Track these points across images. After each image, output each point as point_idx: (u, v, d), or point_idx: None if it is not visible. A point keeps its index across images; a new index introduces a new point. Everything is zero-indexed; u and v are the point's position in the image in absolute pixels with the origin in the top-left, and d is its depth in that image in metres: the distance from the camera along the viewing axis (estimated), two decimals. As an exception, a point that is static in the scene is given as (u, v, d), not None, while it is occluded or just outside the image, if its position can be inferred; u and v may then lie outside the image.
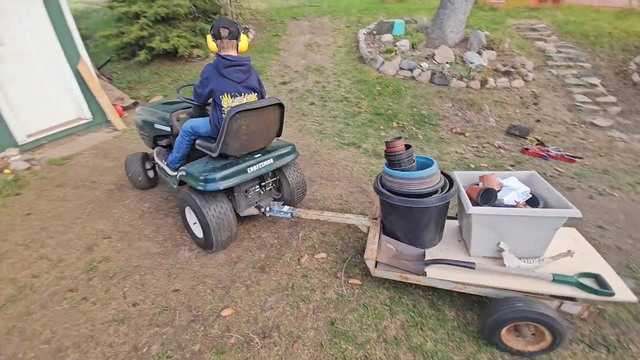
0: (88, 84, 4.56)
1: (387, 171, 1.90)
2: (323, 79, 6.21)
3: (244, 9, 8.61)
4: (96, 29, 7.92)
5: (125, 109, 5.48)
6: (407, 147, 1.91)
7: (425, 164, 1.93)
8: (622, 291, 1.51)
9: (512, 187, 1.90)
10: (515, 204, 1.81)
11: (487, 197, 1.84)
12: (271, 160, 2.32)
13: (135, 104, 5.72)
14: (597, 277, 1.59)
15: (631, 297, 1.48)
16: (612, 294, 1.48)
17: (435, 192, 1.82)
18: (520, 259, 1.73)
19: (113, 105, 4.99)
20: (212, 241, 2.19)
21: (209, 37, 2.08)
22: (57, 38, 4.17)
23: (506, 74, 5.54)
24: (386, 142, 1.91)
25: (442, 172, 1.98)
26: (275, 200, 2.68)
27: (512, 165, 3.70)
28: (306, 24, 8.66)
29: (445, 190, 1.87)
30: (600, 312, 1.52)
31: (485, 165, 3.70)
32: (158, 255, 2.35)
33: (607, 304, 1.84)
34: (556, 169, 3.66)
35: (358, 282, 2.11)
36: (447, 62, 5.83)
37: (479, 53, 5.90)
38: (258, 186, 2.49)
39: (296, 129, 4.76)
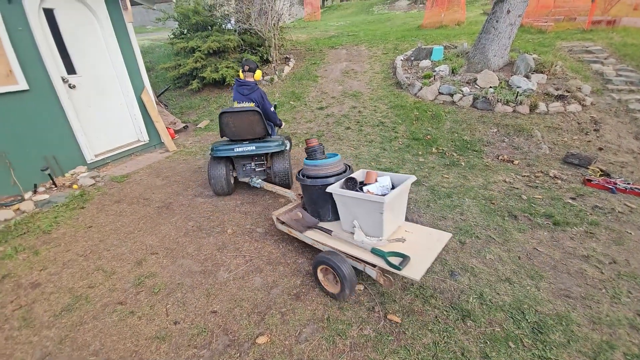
0: (149, 111, 5.09)
1: (304, 162, 2.55)
2: (359, 104, 6.30)
3: (286, 41, 9.21)
4: (158, 62, 8.95)
5: (176, 132, 5.99)
6: (320, 144, 2.60)
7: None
8: (413, 272, 1.85)
9: (380, 183, 2.30)
10: (365, 192, 2.21)
11: (349, 183, 2.28)
12: (253, 147, 3.27)
13: (185, 128, 6.24)
14: (404, 258, 1.94)
15: (414, 276, 1.80)
16: (399, 269, 1.86)
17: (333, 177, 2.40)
18: (367, 237, 2.17)
19: (167, 128, 5.49)
20: (212, 187, 3.46)
21: (240, 71, 3.45)
22: (126, 71, 4.76)
23: (560, 98, 5.18)
24: (306, 140, 2.60)
25: (347, 166, 2.59)
26: (267, 180, 3.57)
27: (572, 199, 3.34)
28: (343, 53, 9.00)
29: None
30: (389, 280, 1.95)
31: (540, 196, 3.38)
32: (199, 274, 2.43)
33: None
34: (626, 205, 3.23)
35: (397, 319, 1.97)
36: (490, 87, 5.62)
37: (527, 77, 5.63)
38: (254, 164, 3.53)
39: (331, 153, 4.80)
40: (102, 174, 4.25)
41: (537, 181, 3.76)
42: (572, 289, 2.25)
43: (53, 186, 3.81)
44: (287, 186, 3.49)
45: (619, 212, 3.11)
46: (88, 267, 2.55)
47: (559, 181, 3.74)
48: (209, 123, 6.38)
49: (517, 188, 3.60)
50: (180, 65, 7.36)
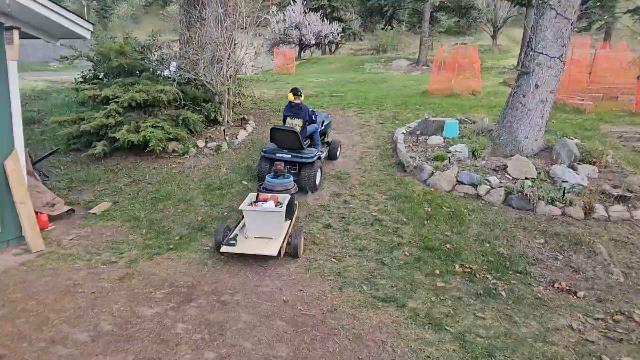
0: (11, 186, 4.72)
1: (267, 178, 5.46)
2: (345, 191, 6.34)
3: (245, 97, 9.80)
4: (51, 112, 8.99)
5: (53, 219, 5.50)
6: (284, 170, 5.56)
7: None
8: (225, 248, 4.58)
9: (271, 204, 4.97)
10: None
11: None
12: (289, 156, 6.10)
13: (70, 212, 5.79)
14: (233, 243, 4.60)
15: (221, 250, 4.68)
16: (226, 244, 4.62)
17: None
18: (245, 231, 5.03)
19: (37, 214, 5.03)
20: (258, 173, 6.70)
21: (290, 94, 6.62)
22: (-11, 125, 4.56)
23: (621, 199, 5.50)
24: (275, 164, 5.58)
25: (293, 192, 5.40)
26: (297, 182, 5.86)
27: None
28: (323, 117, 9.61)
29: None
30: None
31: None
32: None
33: None
34: None
35: None
36: (526, 178, 5.94)
37: (572, 167, 6.06)
38: (289, 167, 6.09)
39: (301, 266, 4.48)
40: None
41: (619, 329, 3.56)
42: None
43: None
44: (312, 189, 6.22)
45: None
46: None
47: (652, 332, 3.56)
48: (110, 207, 5.99)
49: (593, 342, 3.35)
50: (83, 119, 7.35)
